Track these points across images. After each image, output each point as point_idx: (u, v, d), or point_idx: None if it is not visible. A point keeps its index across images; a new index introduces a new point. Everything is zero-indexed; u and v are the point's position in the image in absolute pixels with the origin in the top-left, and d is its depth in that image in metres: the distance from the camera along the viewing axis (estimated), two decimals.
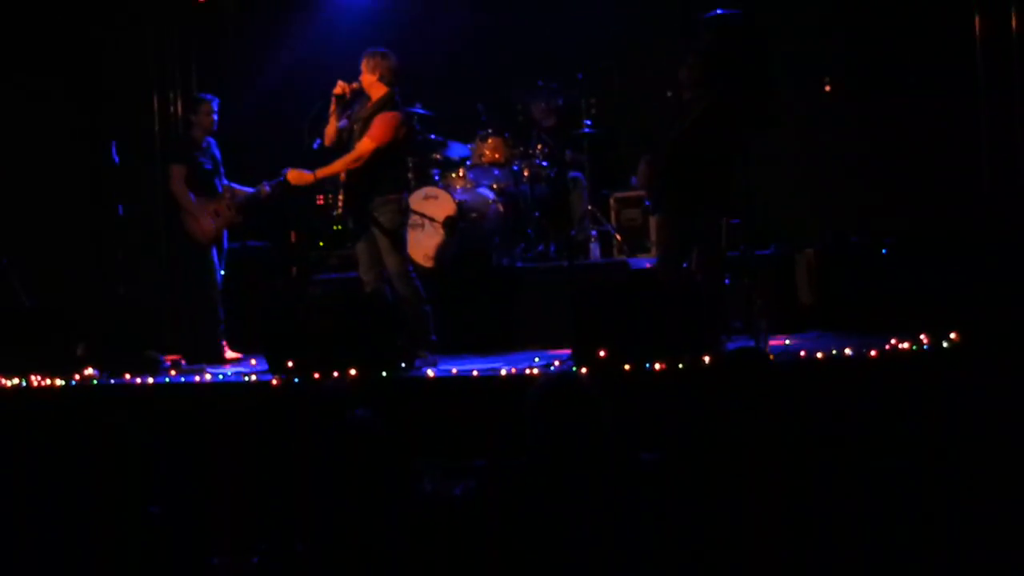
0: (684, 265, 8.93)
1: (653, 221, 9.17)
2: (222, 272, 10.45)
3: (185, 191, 10.26)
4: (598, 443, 4.52)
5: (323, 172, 9.31)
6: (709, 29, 10.73)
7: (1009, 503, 4.84)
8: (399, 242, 9.35)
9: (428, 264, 10.58)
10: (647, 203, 9.15)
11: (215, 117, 10.37)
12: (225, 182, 10.46)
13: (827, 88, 9.05)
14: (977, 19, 10.12)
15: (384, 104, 9.24)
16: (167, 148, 11.08)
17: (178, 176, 10.28)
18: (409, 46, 11.91)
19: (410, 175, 10.53)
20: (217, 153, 10.49)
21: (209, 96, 10.45)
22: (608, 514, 4.43)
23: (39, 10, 11.96)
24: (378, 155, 9.14)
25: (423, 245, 10.61)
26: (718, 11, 10.84)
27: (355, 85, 9.41)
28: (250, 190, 10.44)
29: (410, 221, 10.63)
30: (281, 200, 10.59)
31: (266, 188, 10.40)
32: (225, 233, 10.48)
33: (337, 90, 9.35)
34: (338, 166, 9.27)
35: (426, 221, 10.59)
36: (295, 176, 9.39)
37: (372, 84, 9.31)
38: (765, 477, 4.39)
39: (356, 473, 4.70)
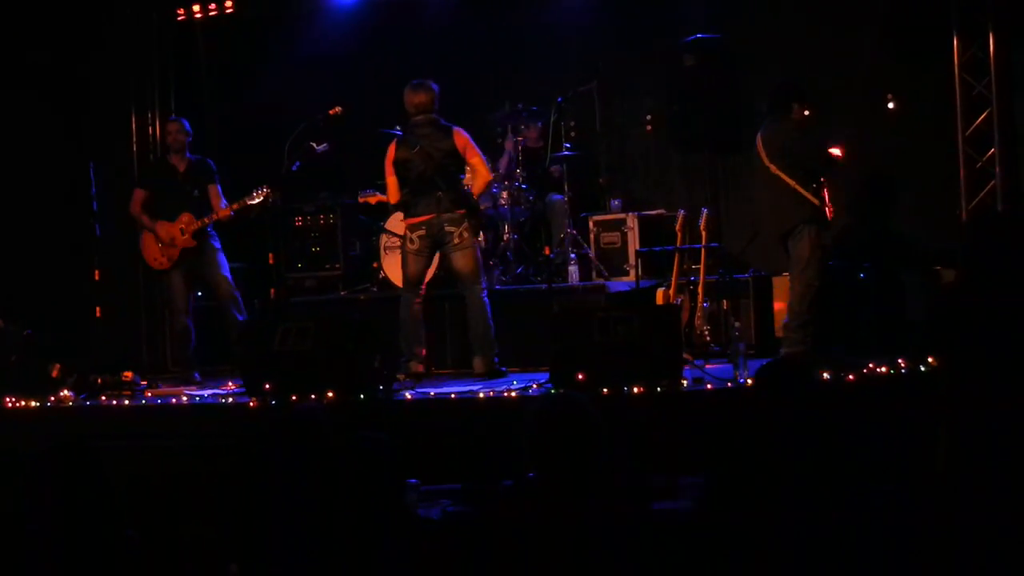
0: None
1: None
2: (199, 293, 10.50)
3: (140, 214, 10.32)
4: (599, 462, 4.52)
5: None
6: (690, 53, 10.78)
7: (988, 527, 4.84)
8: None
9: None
10: None
11: (182, 138, 10.34)
12: (223, 204, 10.30)
13: (806, 112, 9.03)
14: (956, 40, 10.16)
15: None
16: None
17: (136, 200, 10.38)
18: (387, 69, 11.95)
19: None
20: (203, 175, 10.39)
21: (173, 116, 10.42)
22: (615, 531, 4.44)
23: (25, 30, 11.91)
24: None
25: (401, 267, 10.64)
26: (698, 35, 10.90)
27: (337, 110, 9.82)
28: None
29: (390, 243, 10.66)
30: (247, 222, 10.52)
31: (223, 206, 10.30)
32: (218, 254, 10.36)
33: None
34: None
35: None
36: None
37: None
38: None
39: (364, 493, 4.71)
